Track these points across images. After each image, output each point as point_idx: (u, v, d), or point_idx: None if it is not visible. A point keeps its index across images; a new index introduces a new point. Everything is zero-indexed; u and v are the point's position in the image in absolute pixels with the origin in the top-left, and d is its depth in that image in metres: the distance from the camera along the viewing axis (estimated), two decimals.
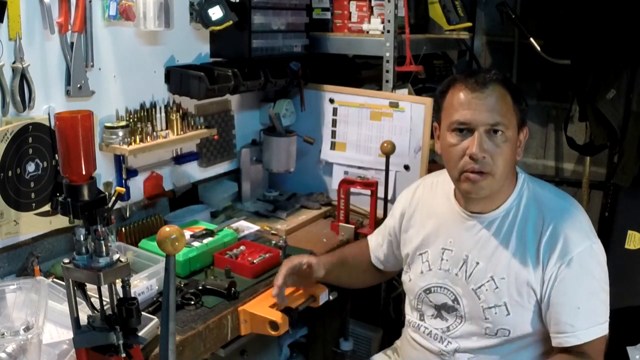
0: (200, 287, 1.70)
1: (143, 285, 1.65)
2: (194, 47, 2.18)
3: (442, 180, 1.64)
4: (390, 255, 1.82)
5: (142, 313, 1.38)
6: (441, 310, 1.62)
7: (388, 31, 2.26)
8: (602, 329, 1.46)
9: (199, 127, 2.14)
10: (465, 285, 1.56)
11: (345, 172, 2.43)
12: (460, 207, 1.59)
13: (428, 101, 2.22)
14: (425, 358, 1.66)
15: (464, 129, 1.46)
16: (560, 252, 1.45)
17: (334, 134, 2.46)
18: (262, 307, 1.66)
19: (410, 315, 1.71)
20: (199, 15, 2.08)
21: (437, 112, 1.58)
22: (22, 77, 1.66)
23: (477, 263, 1.54)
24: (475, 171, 1.45)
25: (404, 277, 1.73)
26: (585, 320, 1.44)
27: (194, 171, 2.29)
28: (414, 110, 2.25)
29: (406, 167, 2.30)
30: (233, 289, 1.69)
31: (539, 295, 1.48)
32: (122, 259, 1.27)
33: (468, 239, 1.57)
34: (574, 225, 1.48)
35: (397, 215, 1.76)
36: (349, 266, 1.83)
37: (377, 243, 1.86)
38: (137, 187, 2.06)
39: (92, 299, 1.33)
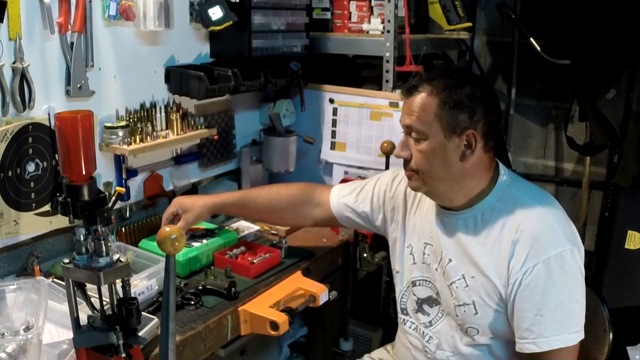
0: (200, 287, 1.71)
1: (143, 285, 1.65)
2: (194, 47, 2.19)
3: None
4: (363, 215, 1.80)
5: (142, 313, 1.39)
6: (423, 304, 1.64)
7: (388, 31, 2.26)
8: (568, 339, 1.42)
9: (199, 127, 2.14)
10: (442, 281, 1.58)
11: (345, 172, 2.43)
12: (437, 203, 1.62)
13: None
14: (412, 355, 1.67)
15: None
16: (527, 257, 1.43)
17: (334, 134, 2.46)
18: (262, 307, 1.66)
19: (398, 309, 1.73)
20: (199, 15, 2.08)
21: None
22: (22, 77, 1.66)
23: (450, 260, 1.55)
24: (405, 169, 1.55)
25: (392, 269, 1.74)
26: (547, 329, 1.42)
27: (194, 171, 2.29)
28: None
29: None
30: (233, 289, 1.69)
31: (505, 298, 1.48)
32: (122, 259, 1.27)
33: (443, 235, 1.58)
34: (545, 230, 1.45)
35: (392, 188, 1.76)
36: (260, 205, 1.89)
37: (351, 200, 1.82)
38: (137, 187, 2.06)
39: (92, 299, 1.33)
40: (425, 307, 1.63)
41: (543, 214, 1.48)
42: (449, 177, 1.50)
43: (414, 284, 1.65)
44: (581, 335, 1.44)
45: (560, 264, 1.42)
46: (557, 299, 1.42)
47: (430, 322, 1.62)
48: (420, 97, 1.48)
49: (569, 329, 1.43)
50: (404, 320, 1.70)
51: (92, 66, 1.84)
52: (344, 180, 2.24)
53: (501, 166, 1.57)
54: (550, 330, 1.42)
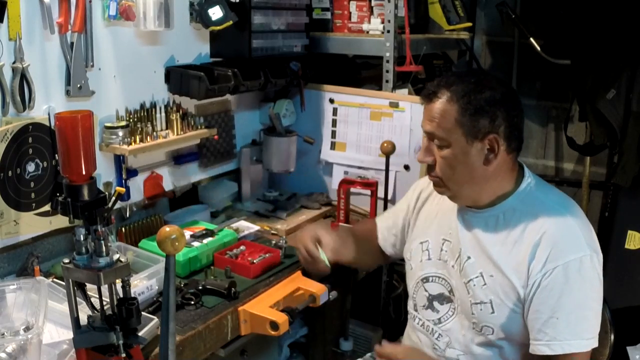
0: (200, 287, 1.71)
1: (143, 285, 1.65)
2: (194, 47, 2.18)
3: None
4: (400, 240, 1.83)
5: (142, 313, 1.38)
6: (433, 300, 1.63)
7: (388, 31, 2.26)
8: (581, 345, 1.42)
9: (199, 127, 2.14)
10: (459, 278, 1.58)
11: (345, 172, 2.43)
12: None
13: None
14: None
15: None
16: (546, 260, 1.44)
17: (334, 134, 2.46)
18: (262, 307, 1.66)
19: (408, 305, 1.73)
20: (199, 15, 2.08)
21: None
22: (22, 77, 1.65)
23: (469, 257, 1.56)
24: (430, 175, 1.55)
25: (406, 265, 1.75)
26: (562, 332, 1.42)
27: (194, 171, 2.29)
28: (414, 110, 2.25)
29: (406, 167, 2.30)
30: (233, 289, 1.69)
31: (523, 299, 1.48)
32: (122, 259, 1.27)
33: (463, 232, 1.58)
34: (566, 234, 1.46)
35: (411, 205, 1.78)
36: (356, 244, 1.86)
37: (387, 226, 1.86)
38: (137, 187, 2.06)
39: (92, 299, 1.33)
40: (436, 304, 1.63)
41: (566, 218, 1.48)
42: (473, 180, 1.51)
43: (426, 280, 1.65)
44: (594, 343, 1.44)
45: (578, 269, 1.43)
46: (573, 304, 1.43)
47: (439, 319, 1.62)
48: (439, 104, 1.47)
49: (583, 335, 1.43)
50: (413, 316, 1.70)
51: (92, 66, 1.84)
52: (344, 180, 2.24)
53: (527, 169, 1.57)
54: (564, 334, 1.42)
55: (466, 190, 1.53)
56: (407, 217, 1.79)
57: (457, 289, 1.58)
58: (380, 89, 2.34)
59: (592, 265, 1.44)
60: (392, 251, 1.86)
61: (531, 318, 1.46)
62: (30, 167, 1.69)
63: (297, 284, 1.79)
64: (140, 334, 1.36)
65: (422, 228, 1.71)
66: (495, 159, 1.48)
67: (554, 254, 1.44)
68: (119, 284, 1.30)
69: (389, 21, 2.25)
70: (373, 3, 2.38)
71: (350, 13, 2.44)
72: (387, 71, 2.28)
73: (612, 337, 1.78)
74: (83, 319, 1.31)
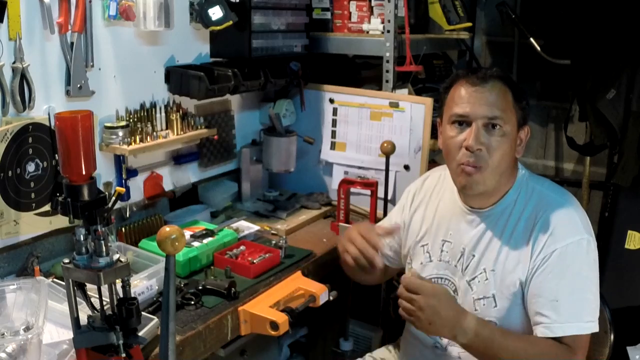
0: (200, 287, 1.71)
1: (143, 285, 1.65)
2: (194, 47, 2.19)
3: (449, 174, 1.66)
4: (395, 250, 1.83)
5: (142, 313, 1.39)
6: None
7: (388, 31, 2.26)
8: (583, 327, 1.43)
9: (199, 127, 2.14)
10: (461, 277, 1.59)
11: (345, 172, 2.43)
12: (462, 201, 1.62)
13: (428, 101, 2.23)
14: (420, 353, 1.67)
15: (463, 122, 1.50)
16: (545, 244, 1.47)
17: (334, 134, 2.46)
18: (262, 307, 1.66)
19: None
20: (199, 15, 2.08)
21: (440, 107, 1.61)
22: (22, 77, 1.66)
23: (473, 256, 1.57)
24: (470, 164, 1.48)
25: (406, 268, 1.75)
26: (562, 315, 1.43)
27: (194, 171, 2.29)
28: (414, 110, 2.25)
29: (406, 167, 2.30)
30: (233, 289, 1.69)
31: (523, 285, 1.49)
32: (122, 259, 1.27)
33: (467, 232, 1.60)
34: (564, 218, 1.49)
35: (406, 207, 1.78)
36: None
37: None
38: (137, 187, 2.06)
39: (92, 299, 1.33)
40: None
41: (562, 203, 1.52)
42: (504, 171, 1.52)
43: (429, 281, 1.65)
44: (595, 327, 1.45)
45: (577, 252, 1.45)
46: (573, 286, 1.44)
47: None
48: (498, 88, 1.49)
49: (583, 318, 1.44)
50: None
51: (92, 66, 1.84)
52: (344, 180, 2.24)
53: (517, 162, 1.61)
54: (565, 317, 1.43)
55: (498, 180, 1.52)
56: (402, 220, 1.78)
57: (460, 288, 1.60)
58: (380, 89, 2.34)
59: (589, 248, 1.47)
60: (388, 262, 1.84)
61: (531, 302, 1.47)
62: (30, 167, 1.69)
63: (297, 284, 1.79)
64: (140, 334, 1.36)
65: (419, 231, 1.71)
66: (521, 151, 1.55)
67: (552, 238, 1.46)
68: (119, 284, 1.30)
69: (389, 21, 2.25)
70: (373, 3, 2.38)
71: (350, 13, 2.44)
72: (387, 71, 2.28)
73: (612, 337, 1.78)
74: (83, 319, 1.31)
